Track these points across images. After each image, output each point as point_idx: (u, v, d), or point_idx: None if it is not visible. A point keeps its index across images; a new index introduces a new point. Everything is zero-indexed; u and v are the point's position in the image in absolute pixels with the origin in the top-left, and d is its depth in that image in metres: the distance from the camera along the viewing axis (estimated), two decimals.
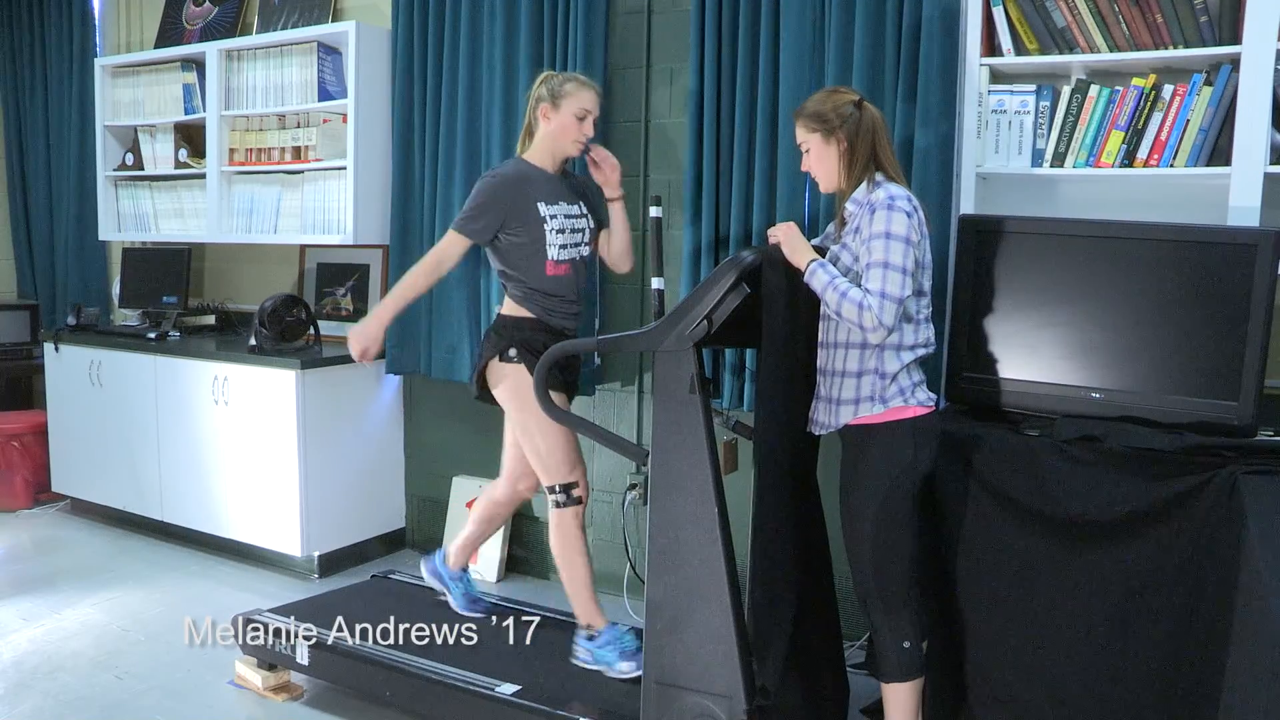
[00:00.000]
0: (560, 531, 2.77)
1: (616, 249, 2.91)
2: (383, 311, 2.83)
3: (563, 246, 2.76)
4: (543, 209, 2.72)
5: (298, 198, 4.08)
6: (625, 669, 2.65)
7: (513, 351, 2.73)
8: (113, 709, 2.83)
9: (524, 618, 3.03)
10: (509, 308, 2.80)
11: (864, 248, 2.20)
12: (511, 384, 2.74)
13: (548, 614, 3.10)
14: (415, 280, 2.78)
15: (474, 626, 2.94)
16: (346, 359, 3.89)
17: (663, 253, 2.90)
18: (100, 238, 4.84)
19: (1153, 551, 2.16)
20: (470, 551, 3.14)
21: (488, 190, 2.72)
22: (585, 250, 2.85)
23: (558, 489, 2.74)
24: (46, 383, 4.63)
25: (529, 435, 2.74)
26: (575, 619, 2.81)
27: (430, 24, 3.79)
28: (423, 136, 3.86)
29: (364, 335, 2.82)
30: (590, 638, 2.73)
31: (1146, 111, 2.55)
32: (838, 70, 2.95)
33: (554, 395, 2.64)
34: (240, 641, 2.98)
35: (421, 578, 3.19)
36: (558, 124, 2.73)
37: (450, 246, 2.74)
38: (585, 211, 2.85)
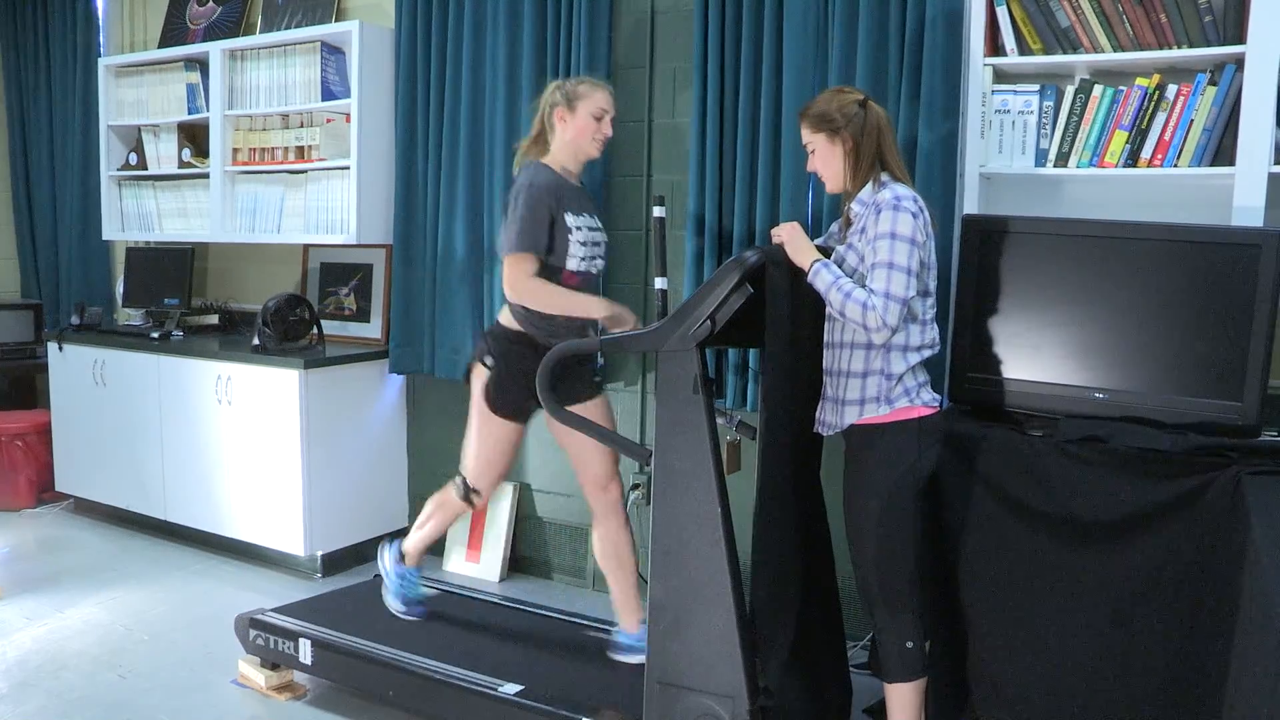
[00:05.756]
0: (448, 503, 2.96)
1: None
2: (592, 306, 2.73)
3: (582, 259, 2.75)
4: (570, 219, 2.71)
5: (301, 197, 4.08)
6: (391, 605, 3.00)
7: (489, 359, 2.76)
8: (116, 708, 2.84)
9: (526, 617, 3.04)
10: (505, 318, 2.79)
11: (869, 248, 2.19)
12: (476, 385, 2.80)
13: (550, 614, 3.10)
14: (556, 300, 2.69)
15: (474, 625, 2.95)
16: (349, 358, 3.94)
17: (666, 253, 2.90)
18: (104, 237, 4.85)
19: (1156, 552, 2.15)
20: (425, 550, 3.09)
21: (533, 202, 2.64)
22: (600, 264, 2.85)
23: (466, 485, 2.88)
24: (50, 382, 4.64)
25: (478, 433, 2.83)
26: (571, 614, 2.91)
27: (434, 23, 3.80)
28: (426, 136, 3.87)
29: (615, 313, 2.74)
30: (399, 560, 3.02)
31: (1150, 111, 2.54)
32: (841, 70, 2.95)
33: (591, 405, 2.80)
34: (243, 641, 2.98)
35: (423, 576, 3.18)
36: (576, 126, 2.72)
37: (520, 272, 2.65)
38: (601, 225, 2.86)
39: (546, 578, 3.86)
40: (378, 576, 3.45)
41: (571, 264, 2.73)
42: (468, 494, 2.88)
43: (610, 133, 2.77)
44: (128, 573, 3.91)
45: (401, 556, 3.06)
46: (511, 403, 2.76)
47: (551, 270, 2.70)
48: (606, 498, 2.84)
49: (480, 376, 2.78)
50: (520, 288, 2.66)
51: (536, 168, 2.73)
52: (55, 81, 5.10)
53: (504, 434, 2.81)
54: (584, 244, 2.74)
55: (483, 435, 2.81)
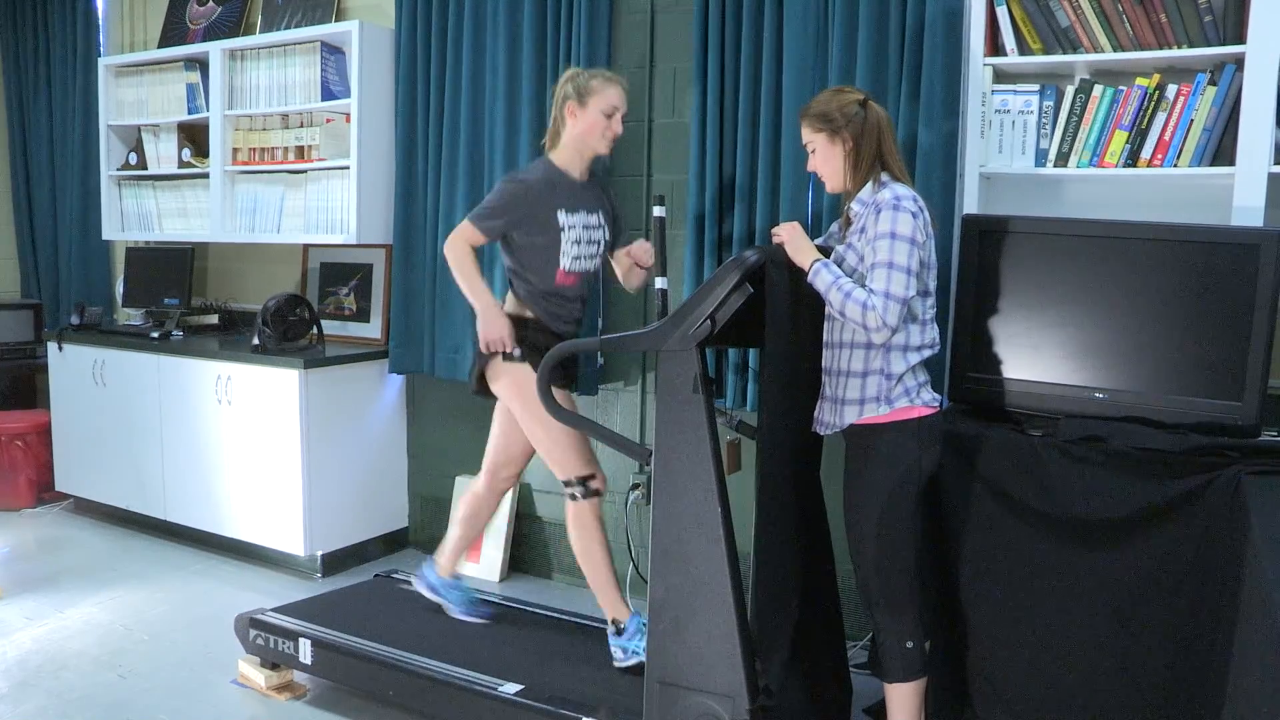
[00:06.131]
0: (579, 524, 2.77)
1: (633, 281, 2.95)
2: (482, 298, 2.73)
3: (576, 258, 2.76)
4: (562, 218, 2.71)
5: (301, 197, 4.08)
6: (462, 617, 2.88)
7: (517, 351, 2.72)
8: (116, 708, 2.84)
9: (527, 617, 3.04)
10: (512, 306, 2.80)
11: (869, 248, 2.19)
12: (512, 381, 2.74)
13: (550, 614, 3.10)
14: (467, 277, 2.73)
15: (474, 624, 2.95)
16: (349, 358, 3.94)
17: (666, 252, 2.90)
18: (104, 237, 4.85)
19: (1156, 552, 2.16)
20: (459, 555, 3.11)
21: (507, 193, 2.70)
22: (597, 262, 2.85)
23: (574, 482, 2.74)
24: (50, 382, 4.64)
25: (539, 428, 2.74)
26: (571, 614, 2.88)
27: (434, 23, 3.80)
28: (426, 136, 3.87)
29: (491, 327, 2.72)
30: (619, 633, 2.72)
31: (1150, 111, 2.54)
32: (841, 70, 2.95)
33: (556, 393, 2.65)
34: (243, 641, 2.99)
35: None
36: (585, 123, 2.71)
37: (463, 235, 2.72)
38: (603, 223, 2.85)
39: (546, 578, 3.86)
40: (378, 576, 3.47)
41: (564, 262, 2.74)
42: (586, 488, 2.75)
43: (620, 130, 2.76)
44: (128, 573, 3.91)
45: (441, 570, 3.07)
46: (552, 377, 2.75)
47: (546, 267, 2.74)
48: (502, 486, 3.04)
49: (505, 376, 2.74)
50: (452, 249, 2.72)
51: (538, 162, 2.76)
52: (55, 81, 5.10)
53: (565, 406, 2.76)
54: (578, 243, 2.74)
55: (545, 424, 2.68)
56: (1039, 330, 2.41)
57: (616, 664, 2.70)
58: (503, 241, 2.78)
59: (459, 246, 2.73)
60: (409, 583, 3.30)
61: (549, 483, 3.81)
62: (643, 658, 2.63)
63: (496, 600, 3.21)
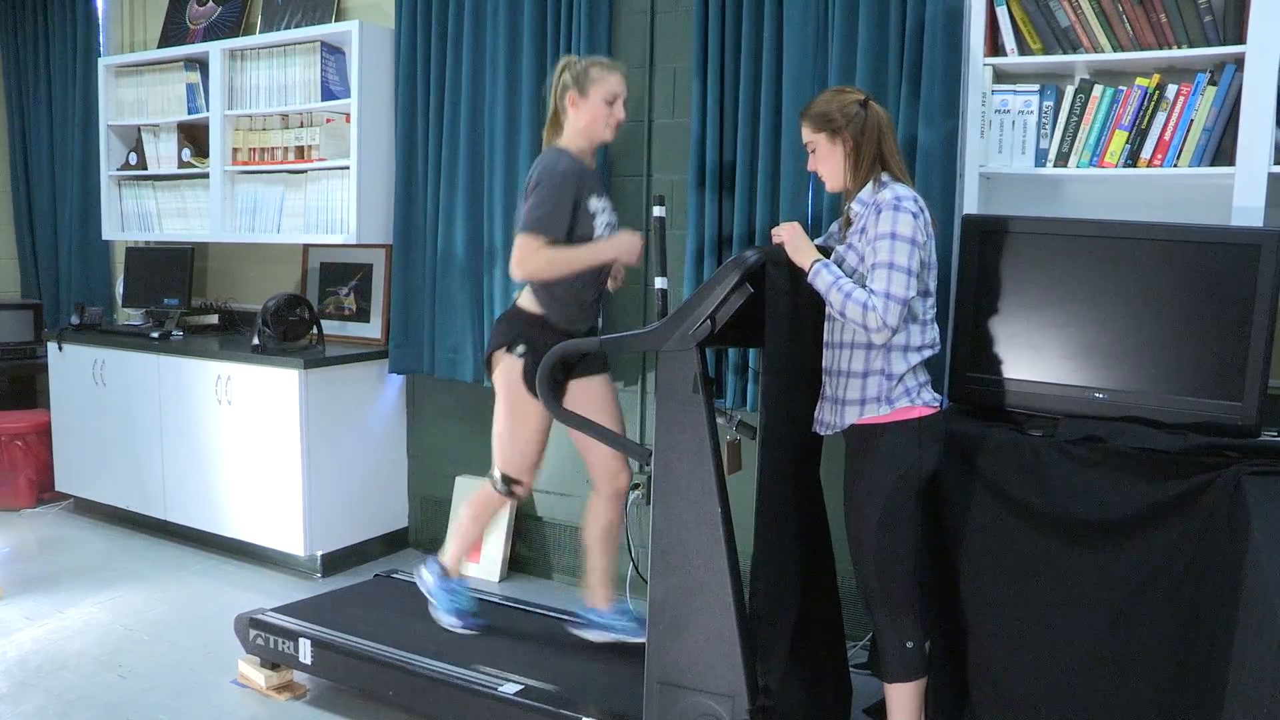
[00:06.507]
0: (483, 501, 2.93)
1: (614, 284, 2.97)
2: (593, 247, 2.71)
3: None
4: (593, 203, 2.72)
5: (301, 197, 4.08)
6: (445, 621, 2.90)
7: (520, 348, 2.74)
8: (116, 708, 2.84)
9: (526, 618, 3.03)
10: (527, 301, 2.79)
11: (869, 248, 2.19)
12: (503, 371, 2.78)
13: (550, 614, 3.10)
14: (567, 260, 2.68)
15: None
16: (349, 358, 3.94)
17: (666, 252, 2.90)
18: (104, 237, 4.85)
19: (1156, 552, 2.16)
20: (463, 557, 3.09)
21: (557, 189, 2.64)
22: None
23: (506, 478, 2.85)
24: (50, 382, 4.64)
25: (504, 423, 2.81)
26: (571, 614, 2.91)
27: (434, 23, 3.80)
28: (426, 136, 3.87)
29: (621, 247, 2.73)
30: (443, 574, 2.96)
31: (1150, 111, 2.54)
32: (841, 69, 2.95)
33: (591, 381, 2.81)
34: (243, 641, 2.99)
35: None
36: (588, 112, 2.71)
37: (529, 250, 2.63)
38: (612, 206, 2.87)
39: (546, 578, 3.86)
40: (378, 576, 3.47)
41: None
42: (509, 487, 2.86)
43: (623, 116, 2.76)
44: (128, 573, 3.91)
45: (443, 571, 3.01)
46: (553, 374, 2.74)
47: None
48: (616, 483, 2.89)
49: (508, 366, 2.76)
50: (528, 265, 2.65)
51: (558, 153, 2.72)
52: (55, 81, 5.10)
53: (540, 418, 2.78)
54: (607, 225, 2.76)
55: (517, 422, 2.79)
56: (1039, 330, 2.41)
57: (413, 573, 2.93)
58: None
59: (538, 255, 2.63)
60: (409, 582, 3.30)
61: (549, 483, 3.81)
62: (431, 597, 2.88)
63: (496, 602, 3.20)
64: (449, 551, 3.05)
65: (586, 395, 2.86)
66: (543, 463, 2.93)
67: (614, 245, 2.74)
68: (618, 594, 2.84)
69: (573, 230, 2.69)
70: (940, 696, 2.43)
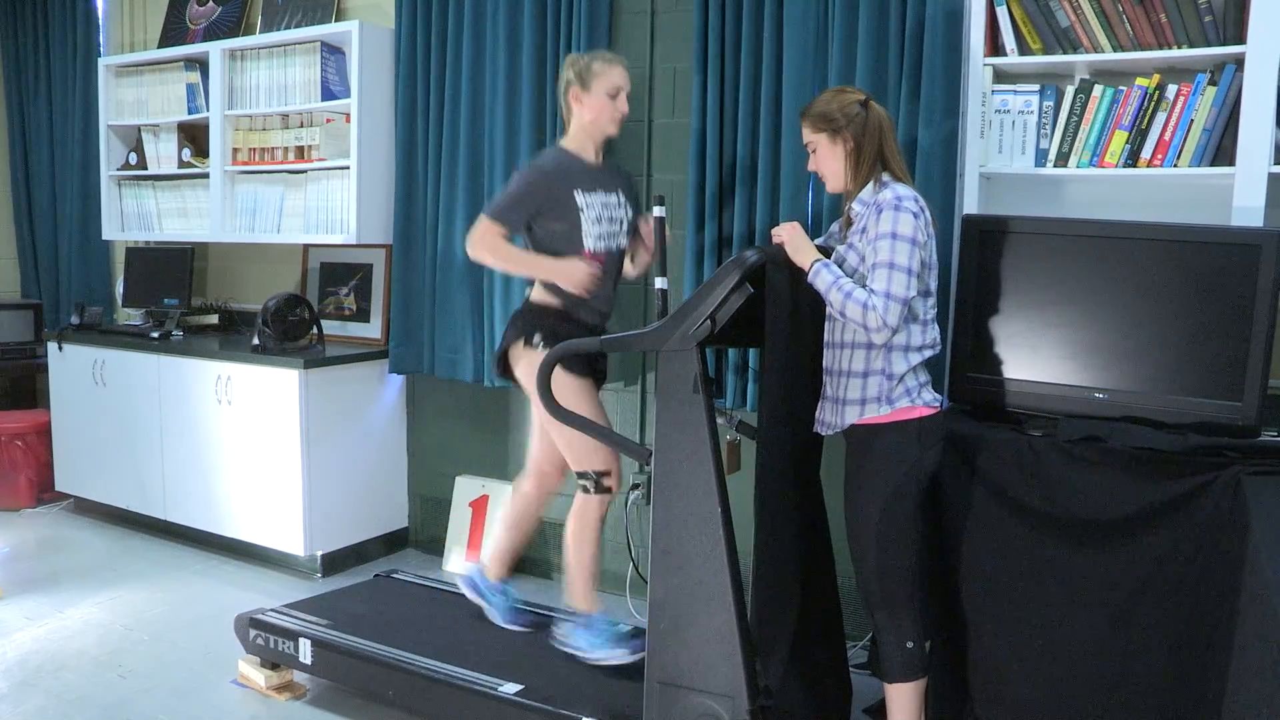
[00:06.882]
0: (581, 515, 2.77)
1: (634, 269, 2.98)
2: (540, 262, 2.75)
3: (599, 237, 2.76)
4: (580, 198, 2.72)
5: (301, 197, 4.08)
6: (598, 656, 2.69)
7: (538, 338, 2.73)
8: (116, 708, 2.84)
9: (526, 618, 3.03)
10: (538, 294, 2.79)
11: (870, 248, 2.19)
12: (528, 369, 2.72)
13: (550, 614, 3.10)
14: (512, 259, 2.76)
15: (474, 625, 2.95)
16: (349, 358, 3.94)
17: (666, 252, 2.90)
18: (104, 237, 4.85)
19: (1156, 552, 2.15)
20: (509, 560, 3.08)
21: (525, 182, 2.72)
22: (623, 240, 2.86)
23: (590, 475, 2.74)
24: (50, 382, 4.64)
25: (555, 422, 2.71)
26: (571, 614, 2.84)
27: (434, 23, 3.80)
28: (426, 136, 3.87)
29: (572, 271, 2.70)
30: (578, 625, 2.78)
31: (1150, 111, 2.54)
32: (841, 69, 2.95)
33: (578, 382, 2.72)
34: (243, 641, 2.99)
35: (423, 576, 3.18)
36: (591, 106, 2.72)
37: (483, 233, 2.71)
38: (624, 201, 2.85)
39: (546, 578, 3.86)
40: (378, 576, 3.47)
41: (588, 243, 2.75)
42: (600, 483, 2.74)
43: (627, 109, 2.77)
44: (128, 573, 3.91)
45: (485, 571, 3.04)
46: (578, 364, 2.73)
47: (570, 250, 2.74)
48: (542, 483, 2.99)
49: (530, 361, 2.71)
50: (476, 247, 2.73)
51: (553, 151, 2.76)
52: (55, 81, 5.10)
53: (586, 397, 2.76)
54: (598, 221, 2.75)
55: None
56: (1039, 330, 2.41)
57: (552, 640, 2.78)
58: (526, 235, 2.78)
59: (488, 240, 2.71)
60: (409, 582, 3.31)
61: None
62: (575, 651, 2.71)
63: (541, 611, 3.13)
64: (492, 557, 3.05)
65: (575, 394, 2.79)
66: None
67: (561, 268, 2.71)
68: (600, 608, 2.79)
69: (542, 222, 2.71)
70: (940, 696, 2.43)
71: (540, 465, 2.98)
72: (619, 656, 2.65)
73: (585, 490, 2.75)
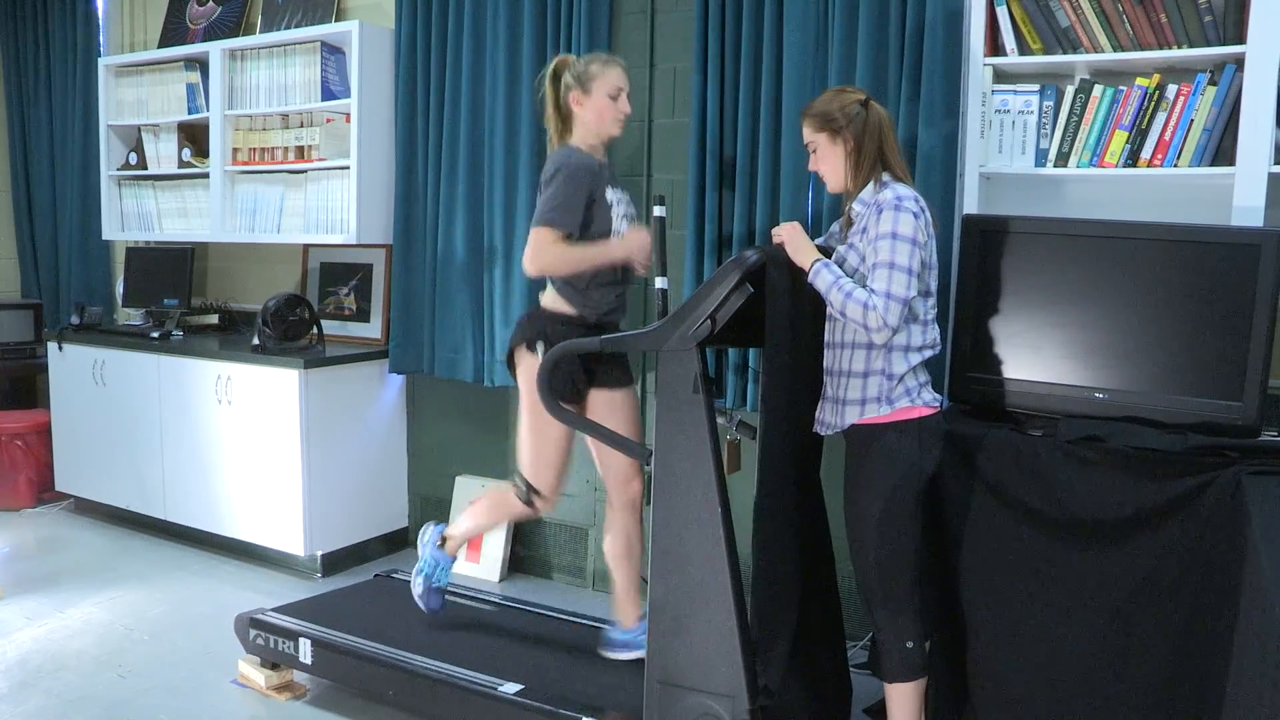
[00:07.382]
0: (501, 502, 2.87)
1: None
2: (602, 247, 2.69)
3: (621, 233, 2.76)
4: (610, 194, 2.72)
5: (301, 197, 4.08)
6: (416, 587, 2.91)
7: (540, 345, 2.71)
8: (116, 707, 2.84)
9: (526, 617, 3.03)
10: (550, 300, 2.77)
11: (870, 248, 2.19)
12: (527, 371, 2.72)
13: (550, 614, 3.10)
14: (579, 258, 2.66)
15: (474, 625, 2.95)
16: (349, 358, 3.94)
17: (666, 252, 2.90)
18: (104, 237, 4.85)
19: (1156, 552, 2.15)
20: (467, 542, 3.05)
21: (571, 181, 2.63)
22: None
23: (528, 486, 2.78)
24: (50, 382, 4.64)
25: (530, 429, 2.75)
26: (571, 614, 2.90)
27: (434, 23, 3.80)
28: (426, 136, 3.87)
29: (631, 247, 2.71)
30: (440, 544, 2.95)
31: (1150, 111, 2.54)
32: (841, 69, 2.95)
33: (608, 395, 2.76)
34: (243, 641, 2.99)
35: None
36: (593, 108, 2.70)
37: (542, 243, 2.62)
38: (629, 199, 2.86)
39: (546, 578, 3.86)
40: (378, 576, 3.47)
41: (617, 239, 2.75)
42: (530, 497, 2.79)
43: (629, 109, 2.76)
44: (128, 573, 3.91)
45: (442, 541, 2.99)
46: (567, 386, 2.71)
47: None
48: (628, 492, 2.82)
49: (530, 364, 2.71)
50: (541, 259, 2.63)
51: (570, 149, 2.71)
52: (55, 81, 5.10)
53: (620, 413, 2.75)
54: (624, 216, 2.76)
55: (537, 429, 2.73)
56: (1039, 330, 2.41)
57: (601, 648, 2.79)
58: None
59: (549, 249, 2.61)
60: (409, 582, 3.30)
61: None
62: (634, 652, 2.70)
63: (496, 602, 3.19)
64: (460, 528, 3.00)
65: (609, 407, 2.79)
66: (567, 479, 2.84)
67: (626, 245, 2.72)
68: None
69: (591, 224, 2.67)
70: (940, 696, 2.43)
71: (617, 482, 2.83)
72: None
73: (516, 494, 2.81)
